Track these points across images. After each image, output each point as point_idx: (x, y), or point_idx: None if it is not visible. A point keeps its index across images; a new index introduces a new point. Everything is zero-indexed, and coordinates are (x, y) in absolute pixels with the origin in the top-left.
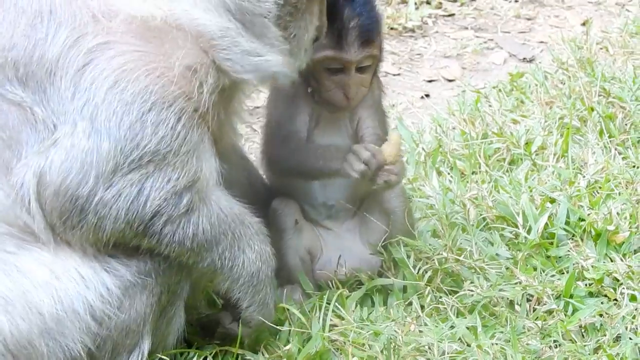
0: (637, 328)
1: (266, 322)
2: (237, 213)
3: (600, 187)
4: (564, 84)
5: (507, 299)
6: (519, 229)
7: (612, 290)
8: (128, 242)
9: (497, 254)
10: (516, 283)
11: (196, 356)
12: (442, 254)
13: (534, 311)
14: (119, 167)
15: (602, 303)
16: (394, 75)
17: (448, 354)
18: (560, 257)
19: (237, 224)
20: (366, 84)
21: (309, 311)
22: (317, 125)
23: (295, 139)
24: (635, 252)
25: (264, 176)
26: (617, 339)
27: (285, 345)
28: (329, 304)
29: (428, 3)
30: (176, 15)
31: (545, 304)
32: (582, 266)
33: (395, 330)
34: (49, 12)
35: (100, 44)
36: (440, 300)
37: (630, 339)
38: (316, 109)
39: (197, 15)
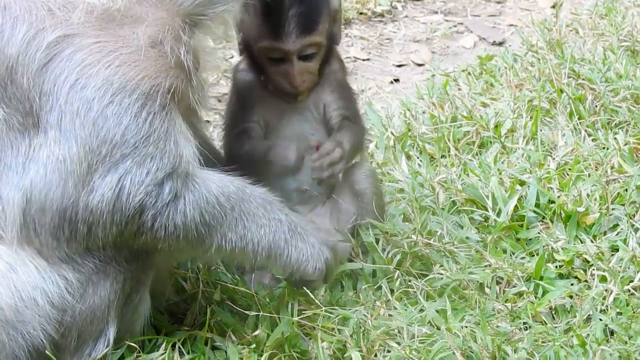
0: (607, 309)
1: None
2: (233, 191)
3: (569, 169)
4: (534, 66)
5: (477, 281)
6: (488, 211)
7: (582, 271)
8: (130, 243)
9: (466, 237)
10: (486, 266)
11: (165, 342)
12: (411, 238)
13: (503, 293)
14: (93, 168)
15: (572, 284)
16: (363, 60)
17: (418, 337)
18: (530, 240)
19: (235, 203)
20: (312, 70)
21: (277, 296)
22: (282, 115)
23: (248, 135)
24: (605, 233)
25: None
26: (588, 320)
27: (253, 331)
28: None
29: None
30: None
31: (515, 286)
32: (552, 248)
33: (364, 315)
34: (3, 7)
35: (59, 38)
36: (409, 283)
37: (601, 319)
38: (277, 100)
39: None
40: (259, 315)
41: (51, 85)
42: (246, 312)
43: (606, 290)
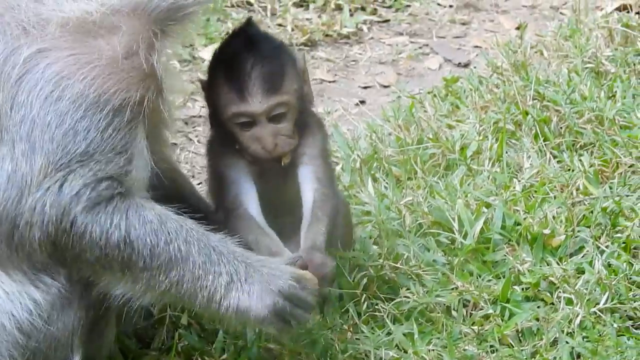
0: (573, 332)
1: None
2: (175, 228)
3: (535, 191)
4: (499, 88)
5: (444, 304)
6: (455, 234)
7: (548, 294)
8: (64, 250)
9: (433, 260)
10: (452, 288)
11: None
12: (378, 261)
13: (470, 316)
14: (47, 175)
15: (538, 307)
16: (329, 82)
17: None
18: (496, 262)
19: (173, 239)
20: (285, 132)
21: None
22: (261, 177)
23: (244, 217)
24: (571, 255)
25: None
26: (554, 342)
27: (220, 355)
28: None
29: (363, 9)
30: (111, 1)
31: (481, 309)
32: (518, 270)
33: (331, 338)
34: None
35: (35, 53)
36: (376, 307)
37: (567, 342)
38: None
39: None
40: (225, 339)
41: (25, 97)
42: (213, 336)
43: (572, 313)
